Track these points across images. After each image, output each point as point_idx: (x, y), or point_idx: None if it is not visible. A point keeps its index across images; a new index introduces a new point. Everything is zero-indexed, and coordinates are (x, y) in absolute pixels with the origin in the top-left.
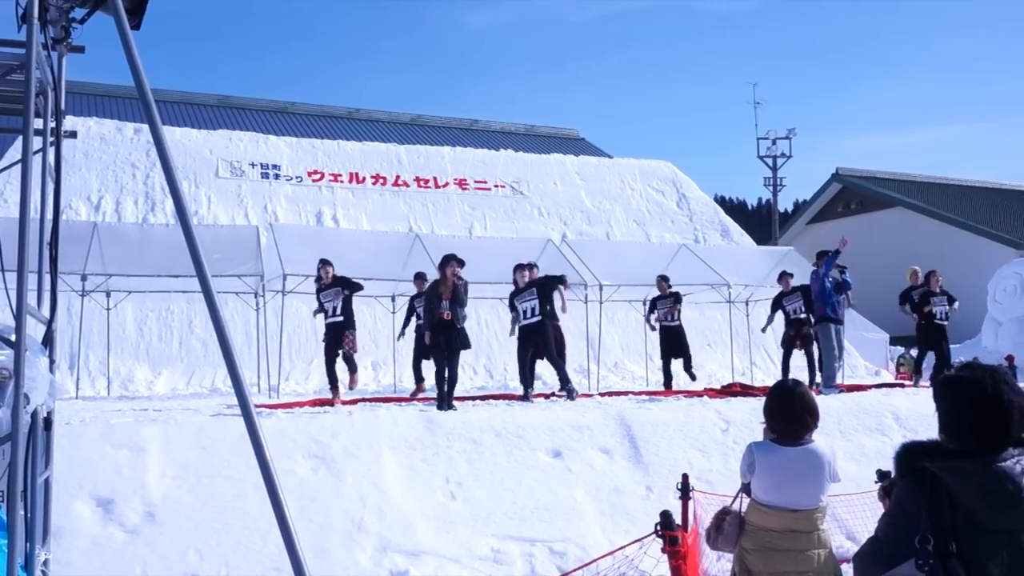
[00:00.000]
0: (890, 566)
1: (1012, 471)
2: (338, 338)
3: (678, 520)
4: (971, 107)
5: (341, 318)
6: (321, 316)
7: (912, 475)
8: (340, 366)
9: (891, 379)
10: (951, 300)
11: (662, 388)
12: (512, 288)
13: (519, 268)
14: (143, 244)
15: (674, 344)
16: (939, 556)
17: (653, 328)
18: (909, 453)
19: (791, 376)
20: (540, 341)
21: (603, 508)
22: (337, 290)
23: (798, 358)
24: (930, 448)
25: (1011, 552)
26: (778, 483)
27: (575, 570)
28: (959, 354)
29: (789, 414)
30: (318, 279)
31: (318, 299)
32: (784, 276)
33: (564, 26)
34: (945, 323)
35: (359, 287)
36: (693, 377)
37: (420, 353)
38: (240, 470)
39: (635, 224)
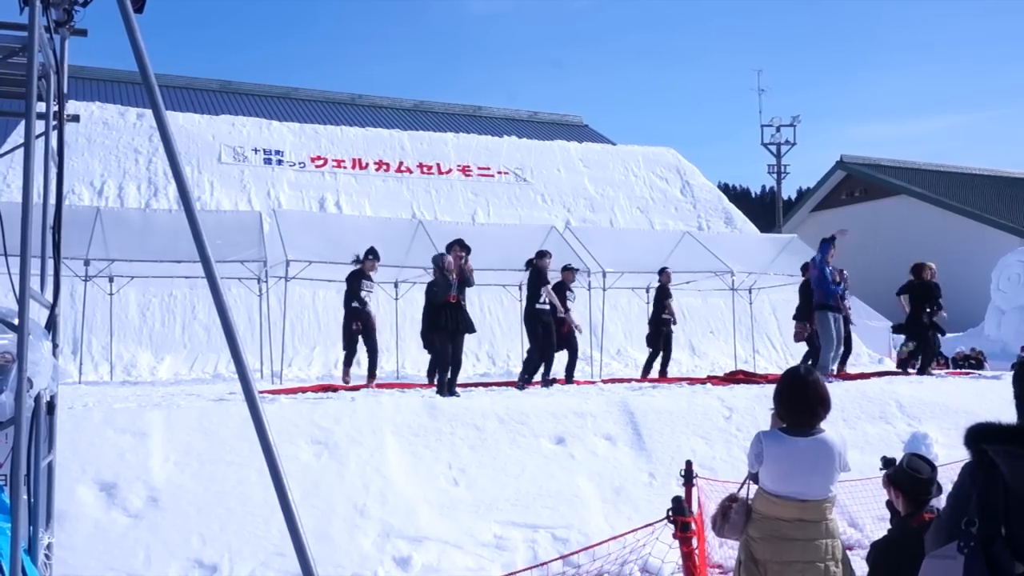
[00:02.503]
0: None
1: None
2: (367, 322)
3: None
4: (974, 95)
5: (369, 310)
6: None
7: (975, 457)
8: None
9: (894, 367)
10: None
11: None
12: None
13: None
14: (146, 229)
15: (667, 341)
16: (985, 539)
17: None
18: (974, 435)
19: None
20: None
21: (606, 495)
22: (372, 284)
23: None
24: (994, 431)
25: None
26: (787, 473)
27: (574, 552)
28: (962, 343)
29: (801, 403)
30: (362, 269)
31: (360, 287)
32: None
33: (566, 13)
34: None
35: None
36: (666, 366)
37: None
38: (243, 455)
39: (638, 211)
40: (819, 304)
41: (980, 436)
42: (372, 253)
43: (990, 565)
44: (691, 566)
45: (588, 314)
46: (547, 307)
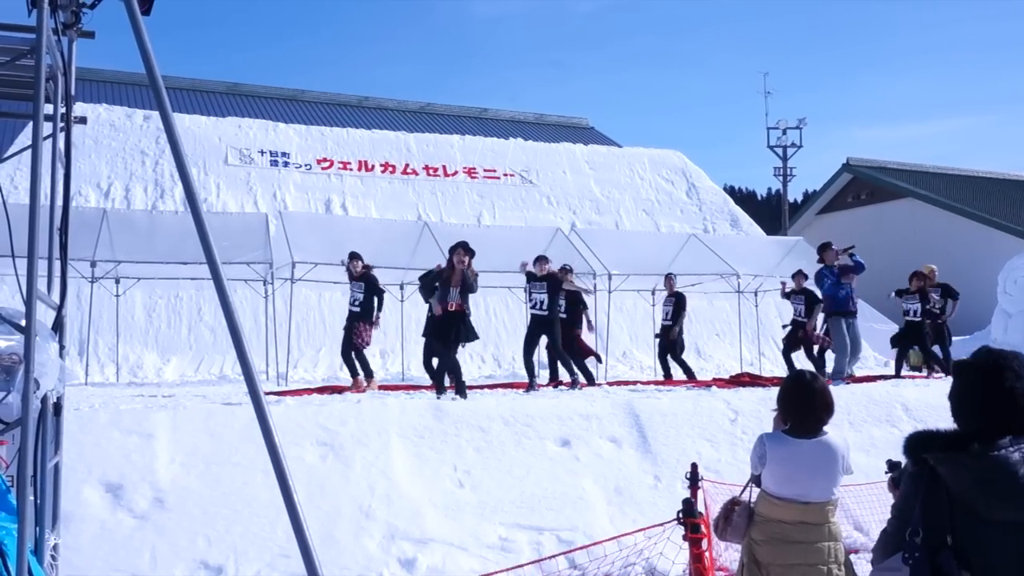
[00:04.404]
0: None
1: (1008, 460)
2: (352, 328)
3: None
4: (981, 98)
5: (359, 310)
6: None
7: (916, 466)
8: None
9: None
10: (925, 298)
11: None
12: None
13: (539, 260)
14: (152, 231)
15: (666, 342)
16: (931, 549)
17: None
18: (913, 444)
19: (797, 368)
20: (549, 336)
21: (611, 497)
22: (360, 285)
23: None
24: (933, 438)
25: (1018, 543)
26: (790, 476)
27: (577, 549)
28: (968, 346)
29: (806, 408)
30: (347, 270)
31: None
32: (797, 275)
33: (572, 16)
34: (917, 320)
35: (381, 294)
36: (686, 369)
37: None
38: (249, 457)
39: (644, 213)
40: (831, 311)
41: (919, 444)
42: (349, 256)
43: (936, 575)
44: (701, 568)
45: (593, 316)
46: (541, 312)
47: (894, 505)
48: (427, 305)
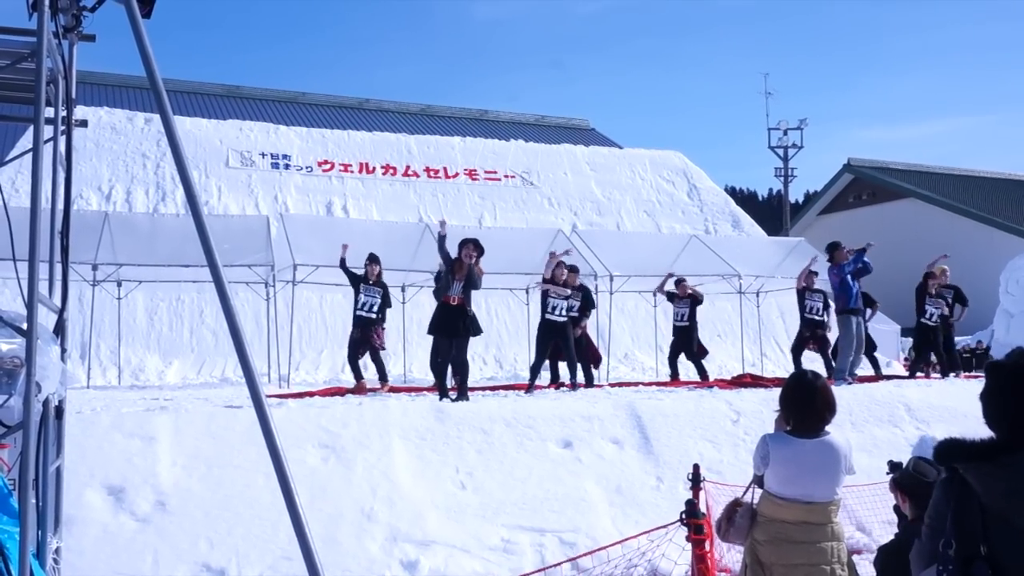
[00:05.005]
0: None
1: None
2: (367, 334)
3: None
4: (982, 99)
5: (374, 316)
6: (345, 303)
7: (947, 476)
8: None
9: (903, 371)
10: (950, 304)
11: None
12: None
13: (561, 265)
14: (154, 234)
15: (683, 343)
16: (964, 559)
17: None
18: (941, 453)
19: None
20: (561, 341)
21: (613, 499)
22: (378, 290)
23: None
24: (960, 447)
25: None
26: (793, 476)
27: (582, 555)
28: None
29: (808, 408)
30: (364, 274)
31: (358, 284)
32: (810, 274)
33: (572, 18)
34: (935, 324)
35: (389, 305)
36: (701, 370)
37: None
38: (251, 459)
39: (645, 215)
40: (841, 309)
41: (948, 454)
42: (369, 258)
43: None
44: (704, 569)
45: (595, 318)
46: (560, 318)
47: (927, 513)
48: (430, 305)
